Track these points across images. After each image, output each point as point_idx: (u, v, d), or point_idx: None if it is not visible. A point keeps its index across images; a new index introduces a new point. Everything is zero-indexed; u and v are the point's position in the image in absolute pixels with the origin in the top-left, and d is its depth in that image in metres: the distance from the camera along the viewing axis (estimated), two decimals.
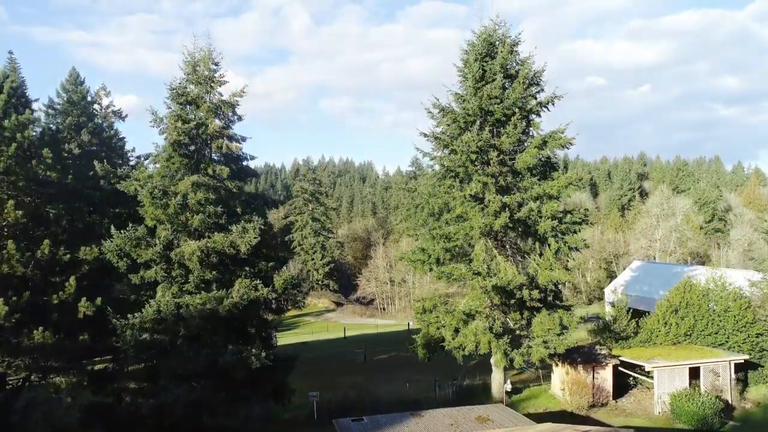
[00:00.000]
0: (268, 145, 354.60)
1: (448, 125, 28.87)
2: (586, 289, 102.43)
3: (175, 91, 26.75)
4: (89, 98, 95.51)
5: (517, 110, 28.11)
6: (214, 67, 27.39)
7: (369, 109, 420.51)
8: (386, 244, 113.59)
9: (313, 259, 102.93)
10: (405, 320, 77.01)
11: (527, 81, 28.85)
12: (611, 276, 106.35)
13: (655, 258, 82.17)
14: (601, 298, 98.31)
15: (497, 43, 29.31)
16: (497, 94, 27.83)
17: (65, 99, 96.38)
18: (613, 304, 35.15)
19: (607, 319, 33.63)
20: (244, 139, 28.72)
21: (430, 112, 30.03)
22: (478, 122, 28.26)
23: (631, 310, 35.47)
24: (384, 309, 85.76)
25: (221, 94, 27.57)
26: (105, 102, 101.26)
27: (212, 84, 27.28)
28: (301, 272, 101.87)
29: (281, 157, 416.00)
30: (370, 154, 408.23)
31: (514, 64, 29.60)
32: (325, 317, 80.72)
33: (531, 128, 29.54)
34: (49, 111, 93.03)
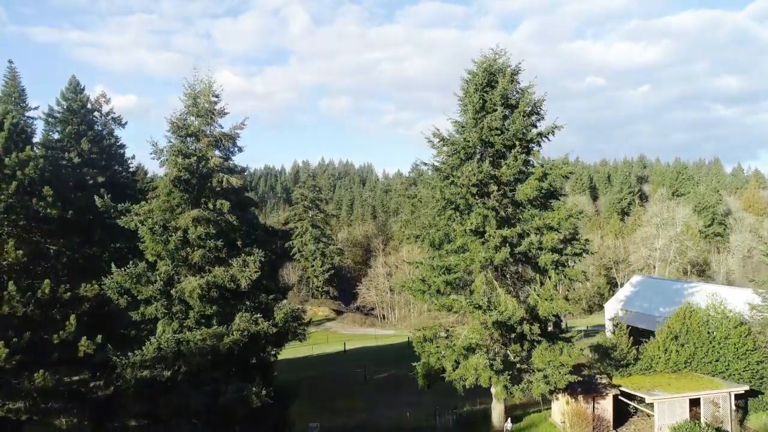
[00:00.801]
0: (268, 146, 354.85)
1: (449, 156, 28.82)
2: (586, 295, 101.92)
3: (175, 124, 26.75)
4: (89, 106, 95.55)
5: (517, 142, 28.09)
6: (215, 99, 27.39)
7: (368, 109, 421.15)
8: (386, 249, 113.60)
9: (312, 266, 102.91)
10: (405, 330, 77.09)
11: (527, 111, 28.83)
12: (611, 282, 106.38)
13: (654, 268, 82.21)
14: (601, 305, 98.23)
15: (497, 72, 29.24)
16: (497, 125, 27.78)
17: (65, 107, 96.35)
18: (613, 332, 35.10)
19: (607, 345, 33.56)
20: (244, 169, 28.83)
21: (431, 141, 30.02)
22: (478, 154, 28.24)
23: (632, 336, 35.49)
24: (384, 317, 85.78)
25: (222, 127, 27.63)
26: (105, 109, 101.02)
27: (213, 116, 27.30)
28: (301, 279, 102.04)
29: (281, 159, 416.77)
30: (369, 154, 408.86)
31: (515, 93, 29.55)
32: (325, 327, 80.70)
33: (531, 157, 29.54)
34: (49, 119, 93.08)
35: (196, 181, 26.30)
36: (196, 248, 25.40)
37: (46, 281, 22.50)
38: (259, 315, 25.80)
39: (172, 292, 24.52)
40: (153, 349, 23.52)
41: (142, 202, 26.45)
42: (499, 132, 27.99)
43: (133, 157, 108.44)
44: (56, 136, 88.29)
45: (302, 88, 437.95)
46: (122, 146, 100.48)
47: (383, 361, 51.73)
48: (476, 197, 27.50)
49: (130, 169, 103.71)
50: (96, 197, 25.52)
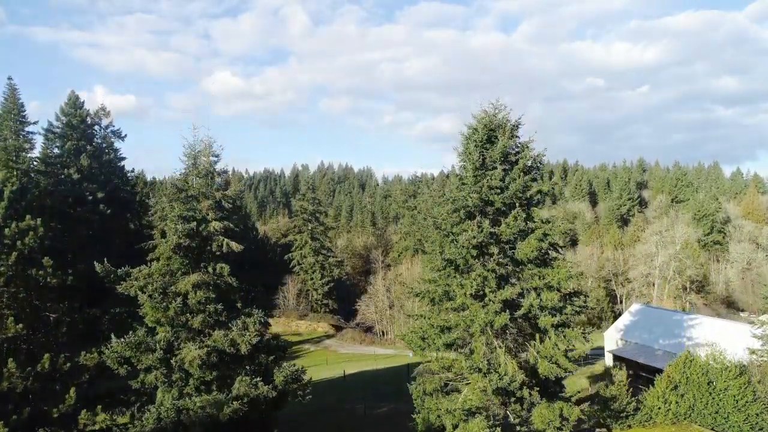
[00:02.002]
0: (268, 147, 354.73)
1: (449, 214, 28.76)
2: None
3: (175, 186, 26.73)
4: (89, 120, 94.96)
5: (517, 201, 28.10)
6: (215, 159, 27.37)
7: (368, 109, 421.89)
8: (385, 261, 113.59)
9: (312, 279, 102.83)
10: (404, 350, 77.11)
11: (528, 166, 28.87)
12: (610, 294, 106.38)
13: (654, 285, 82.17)
14: (601, 319, 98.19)
15: (497, 128, 29.23)
16: (498, 184, 27.76)
17: (64, 123, 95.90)
18: (612, 377, 35.11)
19: (607, 396, 33.56)
20: (245, 228, 28.68)
21: (431, 197, 30.00)
22: (478, 213, 28.21)
23: (632, 370, 35.56)
24: (384, 333, 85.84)
25: (222, 187, 27.57)
26: (105, 122, 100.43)
27: (213, 176, 27.25)
28: (300, 292, 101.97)
29: (281, 160, 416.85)
30: (369, 155, 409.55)
31: (515, 148, 29.53)
32: (325, 345, 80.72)
33: (531, 212, 29.48)
34: (48, 135, 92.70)
35: (197, 243, 26.25)
36: (196, 314, 25.42)
37: (46, 356, 22.46)
38: (258, 379, 25.82)
39: (172, 361, 24.52)
40: (153, 420, 23.53)
41: (142, 266, 26.25)
42: (499, 191, 27.97)
43: (133, 171, 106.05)
44: (56, 151, 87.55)
45: (301, 89, 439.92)
46: (122, 158, 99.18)
47: (383, 392, 51.74)
48: (476, 259, 27.50)
49: (130, 181, 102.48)
50: (96, 263, 25.36)
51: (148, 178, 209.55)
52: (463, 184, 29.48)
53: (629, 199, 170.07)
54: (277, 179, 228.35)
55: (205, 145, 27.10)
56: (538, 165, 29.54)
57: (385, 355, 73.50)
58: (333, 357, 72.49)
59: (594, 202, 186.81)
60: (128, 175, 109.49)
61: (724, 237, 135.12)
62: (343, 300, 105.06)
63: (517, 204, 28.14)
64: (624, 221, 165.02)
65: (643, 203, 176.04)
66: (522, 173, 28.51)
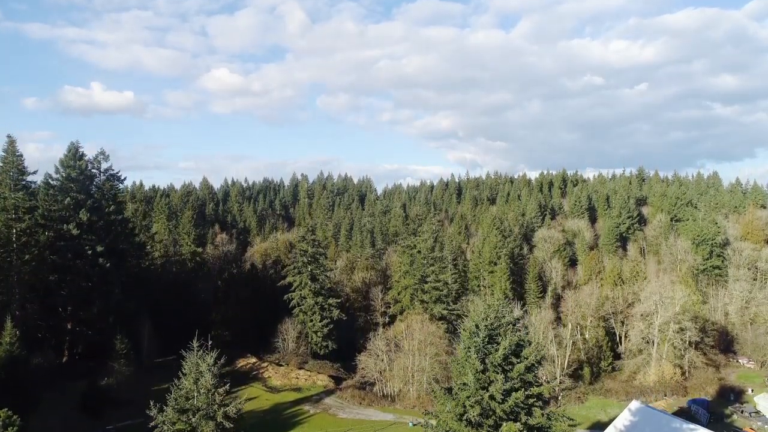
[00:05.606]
0: (267, 146, 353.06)
1: (453, 421, 28.80)
2: (584, 347, 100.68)
3: (176, 406, 26.70)
4: (89, 168, 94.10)
5: (518, 408, 28.20)
6: (215, 383, 27.28)
7: (366, 106, 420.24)
8: (384, 299, 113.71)
9: (312, 321, 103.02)
10: (404, 414, 77.55)
11: (529, 367, 28.94)
12: (609, 333, 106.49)
13: (654, 343, 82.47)
14: (600, 359, 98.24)
15: (498, 328, 29.29)
16: (499, 396, 27.81)
17: (64, 176, 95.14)
18: None
19: None
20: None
21: (433, 391, 30.07)
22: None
23: None
24: (384, 388, 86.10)
25: (225, 406, 27.53)
26: (104, 166, 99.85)
27: (216, 396, 27.20)
28: (300, 334, 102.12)
29: (279, 157, 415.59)
30: (368, 154, 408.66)
31: (516, 344, 29.54)
32: (324, 405, 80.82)
33: (533, 411, 29.56)
34: (48, 190, 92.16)
35: None
36: None
37: None
38: None
39: None
40: None
41: None
42: (500, 401, 28.02)
43: (133, 213, 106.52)
44: (55, 205, 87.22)
45: (300, 86, 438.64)
46: (121, 202, 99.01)
47: None
48: None
49: (129, 225, 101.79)
50: None
51: (148, 184, 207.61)
52: (465, 384, 29.52)
53: (629, 217, 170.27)
54: (276, 189, 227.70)
55: (206, 365, 27.02)
56: (540, 361, 29.58)
57: (384, 422, 73.82)
58: (332, 424, 72.68)
59: (593, 218, 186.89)
60: (128, 219, 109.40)
61: (723, 261, 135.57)
62: (342, 338, 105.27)
63: (519, 410, 28.24)
64: (623, 240, 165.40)
65: (642, 221, 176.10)
66: (524, 372, 28.61)
